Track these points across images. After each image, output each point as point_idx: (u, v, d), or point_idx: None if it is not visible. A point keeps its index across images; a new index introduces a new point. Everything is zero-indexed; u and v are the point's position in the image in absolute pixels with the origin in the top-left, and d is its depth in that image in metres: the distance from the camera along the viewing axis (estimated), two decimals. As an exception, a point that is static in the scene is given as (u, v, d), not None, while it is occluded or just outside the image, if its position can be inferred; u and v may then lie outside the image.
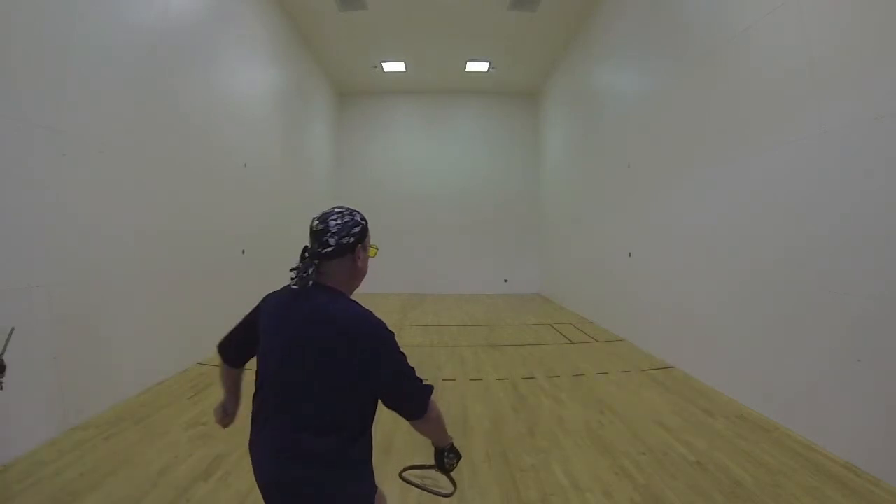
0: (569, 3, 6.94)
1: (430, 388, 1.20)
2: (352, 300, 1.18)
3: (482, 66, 9.48)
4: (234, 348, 1.33)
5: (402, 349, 1.16)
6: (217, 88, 5.01)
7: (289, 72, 7.40)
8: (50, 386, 2.82)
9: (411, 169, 11.00)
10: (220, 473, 2.46)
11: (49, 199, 2.85)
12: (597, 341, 5.76)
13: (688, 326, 4.38)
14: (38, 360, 2.70)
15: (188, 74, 4.42)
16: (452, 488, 1.28)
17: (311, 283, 1.13)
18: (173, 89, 4.16)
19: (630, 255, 5.73)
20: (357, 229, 1.19)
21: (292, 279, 1.15)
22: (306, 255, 1.17)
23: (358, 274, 1.23)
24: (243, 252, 5.64)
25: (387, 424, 2.77)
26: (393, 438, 2.84)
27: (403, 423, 1.23)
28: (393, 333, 1.15)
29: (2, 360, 2.23)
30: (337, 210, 1.20)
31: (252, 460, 1.16)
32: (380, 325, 1.14)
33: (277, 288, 1.25)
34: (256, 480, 1.14)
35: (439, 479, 1.29)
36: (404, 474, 1.33)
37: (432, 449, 1.30)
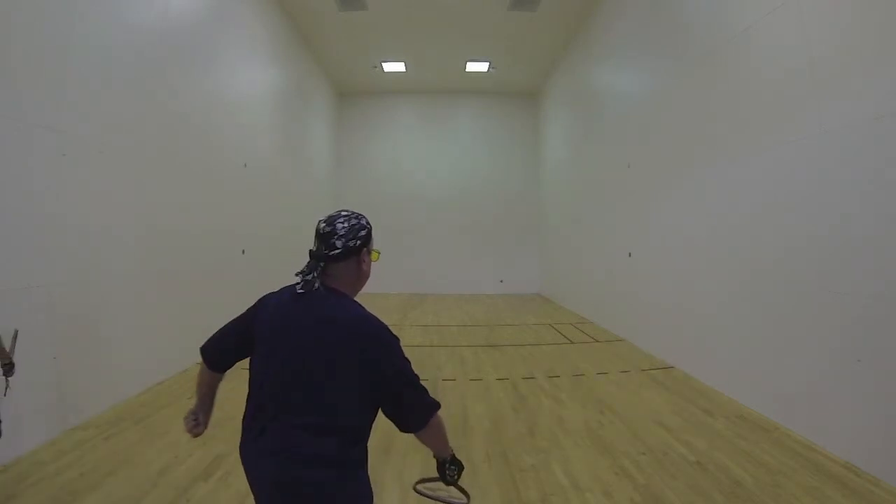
0: (569, 3, 6.94)
1: (436, 405, 1.18)
2: (356, 303, 1.18)
3: (482, 66, 9.49)
4: (220, 352, 1.28)
5: (406, 356, 1.15)
6: (217, 88, 5.01)
7: (289, 72, 7.40)
8: (50, 386, 2.82)
9: (411, 169, 11.00)
10: (220, 473, 2.46)
11: (49, 199, 2.85)
12: (597, 341, 5.76)
13: (688, 326, 4.38)
14: (37, 360, 2.70)
15: (188, 74, 4.42)
16: (466, 499, 1.27)
17: (316, 284, 1.13)
18: (173, 89, 4.16)
19: (630, 255, 5.73)
20: (363, 233, 1.20)
21: (298, 283, 1.14)
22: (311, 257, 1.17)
23: (362, 277, 1.24)
24: (243, 252, 5.64)
25: (387, 424, 2.75)
26: (393, 439, 2.83)
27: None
28: (398, 339, 1.15)
29: (11, 360, 2.24)
30: (343, 213, 1.21)
31: (244, 462, 1.14)
32: (384, 328, 1.14)
33: (278, 288, 1.25)
34: (249, 482, 1.13)
35: (452, 490, 1.29)
36: (418, 487, 1.33)
37: (432, 452, 1.29)
